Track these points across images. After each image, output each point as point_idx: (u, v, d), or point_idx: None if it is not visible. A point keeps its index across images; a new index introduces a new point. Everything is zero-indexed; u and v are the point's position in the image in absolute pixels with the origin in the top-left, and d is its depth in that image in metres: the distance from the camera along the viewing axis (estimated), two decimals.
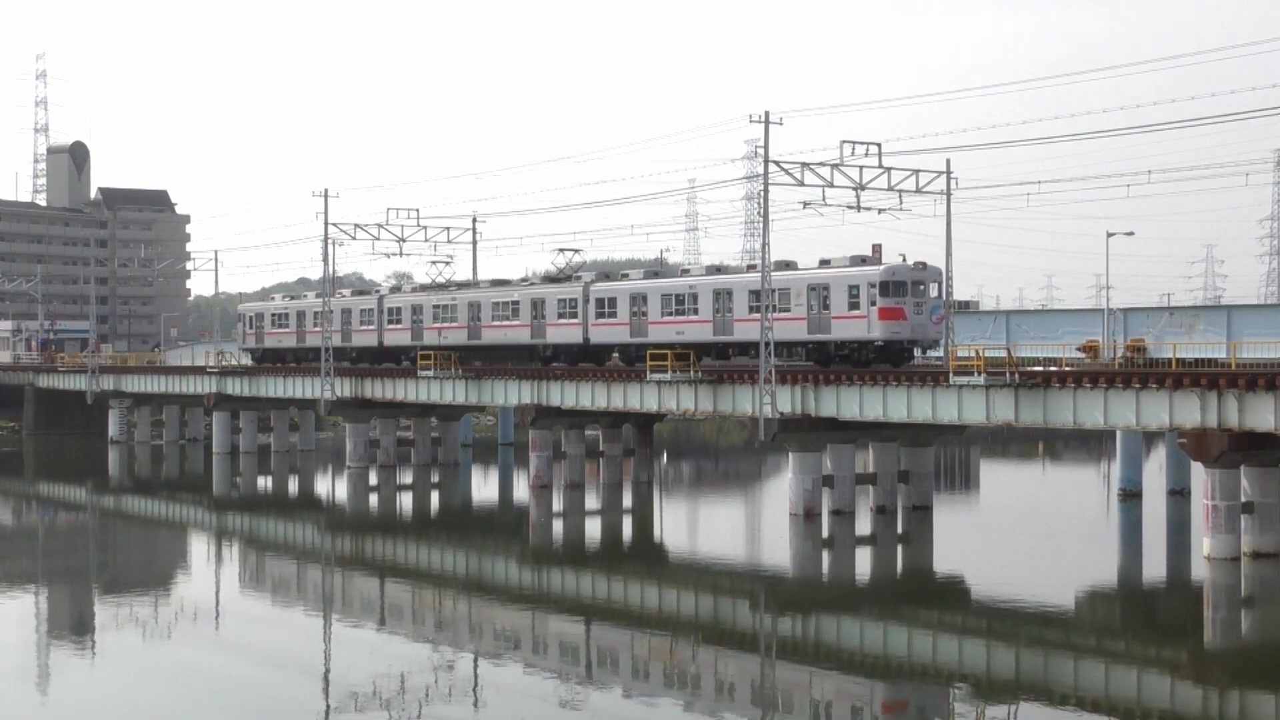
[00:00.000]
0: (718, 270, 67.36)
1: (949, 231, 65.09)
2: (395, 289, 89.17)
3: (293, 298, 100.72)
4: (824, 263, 60.92)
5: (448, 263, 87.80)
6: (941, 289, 58.99)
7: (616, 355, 71.91)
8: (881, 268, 57.90)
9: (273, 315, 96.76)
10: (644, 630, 39.15)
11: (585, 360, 71.96)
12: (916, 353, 62.18)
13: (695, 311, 64.81)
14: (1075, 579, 47.42)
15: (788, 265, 62.56)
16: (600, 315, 69.93)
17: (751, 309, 61.26)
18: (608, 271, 76.95)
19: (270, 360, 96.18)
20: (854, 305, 58.05)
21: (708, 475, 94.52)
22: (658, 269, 68.63)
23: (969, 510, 70.04)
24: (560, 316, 72.30)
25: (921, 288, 58.00)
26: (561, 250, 79.06)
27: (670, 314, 66.18)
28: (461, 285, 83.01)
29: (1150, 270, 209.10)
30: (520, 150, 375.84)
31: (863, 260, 59.18)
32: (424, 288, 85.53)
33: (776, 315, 59.06)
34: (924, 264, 58.43)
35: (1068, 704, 30.51)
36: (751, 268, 63.69)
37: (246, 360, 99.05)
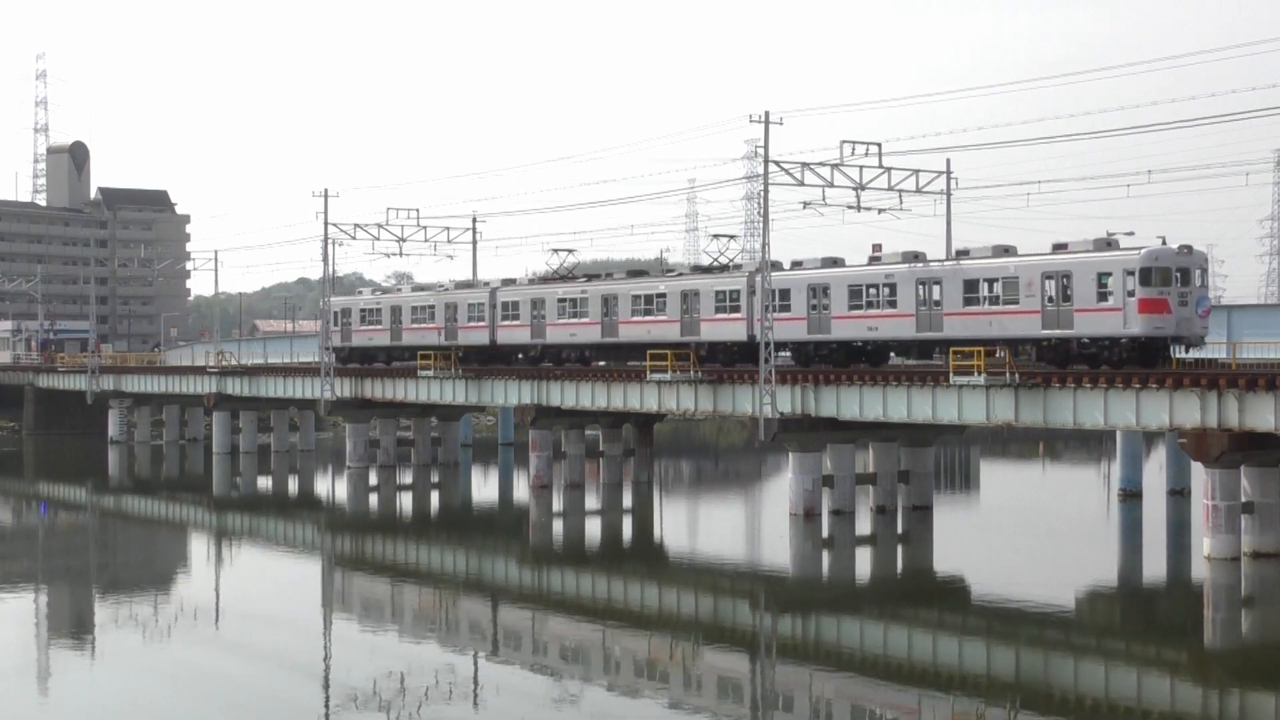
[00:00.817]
0: (915, 258, 59.15)
1: (949, 231, 65.20)
2: (509, 281, 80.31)
3: (385, 291, 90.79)
4: (1058, 247, 53.69)
5: (571, 251, 78.84)
6: (1207, 277, 52.15)
7: (789, 353, 63.95)
8: (1142, 251, 51.32)
9: (362, 311, 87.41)
10: (644, 630, 39.15)
11: (750, 360, 63.34)
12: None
13: (893, 304, 57.72)
14: (1075, 579, 47.42)
15: (1006, 250, 55.73)
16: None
17: (968, 300, 54.81)
18: (774, 261, 65.98)
19: (360, 360, 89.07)
20: (1104, 296, 51.18)
21: (708, 475, 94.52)
22: (837, 257, 62.16)
23: (969, 510, 70.02)
24: (719, 311, 64.53)
25: (1187, 276, 50.81)
26: (716, 236, 71.21)
27: (858, 307, 59.02)
28: (592, 276, 74.98)
29: None
30: (520, 150, 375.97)
31: (1108, 244, 52.33)
32: (545, 279, 77.84)
33: (1001, 308, 53.70)
34: (1189, 248, 51.53)
35: (1068, 704, 30.50)
36: (962, 254, 57.21)
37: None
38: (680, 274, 69.45)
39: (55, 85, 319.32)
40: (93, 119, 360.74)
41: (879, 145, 58.39)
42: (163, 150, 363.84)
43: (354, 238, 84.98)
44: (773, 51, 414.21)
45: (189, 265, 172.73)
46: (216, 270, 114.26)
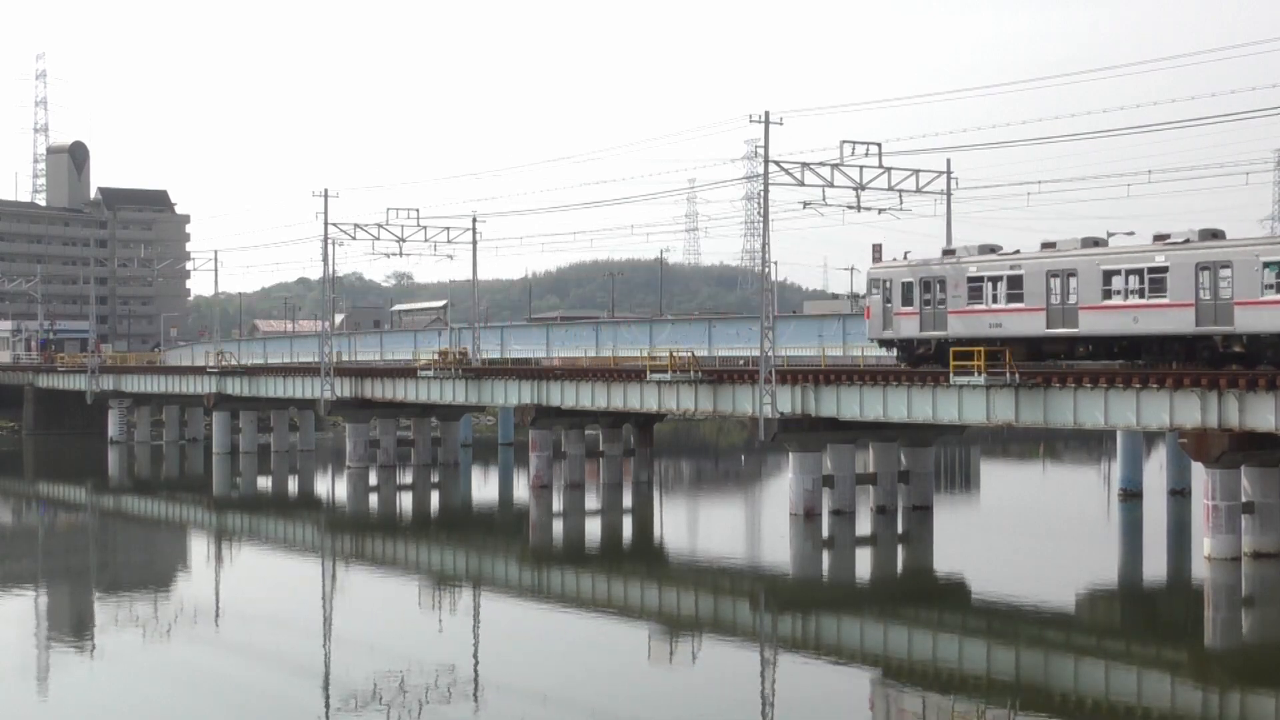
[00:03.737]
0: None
1: (949, 231, 65.13)
2: None
3: (1016, 251, 55.25)
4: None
5: None
6: None
7: None
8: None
9: (973, 281, 54.63)
10: (644, 630, 39.13)
11: None
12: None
13: None
14: (1075, 579, 47.38)
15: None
16: None
17: None
18: None
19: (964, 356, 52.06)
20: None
21: (708, 475, 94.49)
22: None
23: (969, 510, 70.00)
24: None
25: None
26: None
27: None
28: None
29: None
30: (520, 150, 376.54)
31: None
32: None
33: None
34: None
35: (1068, 704, 30.49)
36: None
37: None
38: None
39: (55, 85, 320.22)
40: (93, 119, 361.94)
41: (879, 145, 58.35)
42: (163, 150, 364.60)
43: (354, 238, 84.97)
44: (773, 51, 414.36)
45: (189, 265, 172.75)
46: (216, 270, 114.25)
